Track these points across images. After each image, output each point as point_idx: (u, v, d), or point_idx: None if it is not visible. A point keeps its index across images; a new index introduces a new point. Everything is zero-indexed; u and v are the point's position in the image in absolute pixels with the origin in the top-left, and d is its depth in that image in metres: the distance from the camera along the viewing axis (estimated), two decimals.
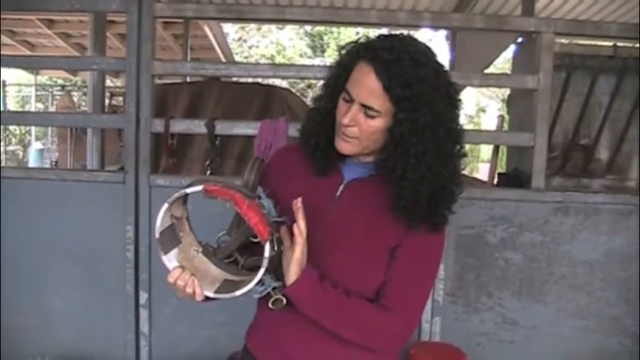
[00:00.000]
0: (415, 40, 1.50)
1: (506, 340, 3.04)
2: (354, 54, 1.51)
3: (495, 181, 4.88)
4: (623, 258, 2.99)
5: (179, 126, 3.12)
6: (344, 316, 1.49)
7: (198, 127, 3.08)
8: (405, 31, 1.55)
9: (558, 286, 3.01)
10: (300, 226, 1.40)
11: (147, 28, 3.00)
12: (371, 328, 1.52)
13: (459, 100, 1.53)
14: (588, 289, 3.01)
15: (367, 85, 1.44)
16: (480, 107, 22.90)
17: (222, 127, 3.07)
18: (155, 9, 3.00)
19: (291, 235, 1.44)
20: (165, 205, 1.40)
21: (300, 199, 1.42)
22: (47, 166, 11.76)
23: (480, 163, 17.15)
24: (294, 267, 1.42)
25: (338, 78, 1.55)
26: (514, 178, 3.90)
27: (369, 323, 1.52)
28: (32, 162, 12.82)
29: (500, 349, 3.04)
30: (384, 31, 1.57)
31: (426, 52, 1.48)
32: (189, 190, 1.38)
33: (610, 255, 3.00)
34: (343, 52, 1.57)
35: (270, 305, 1.46)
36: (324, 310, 1.48)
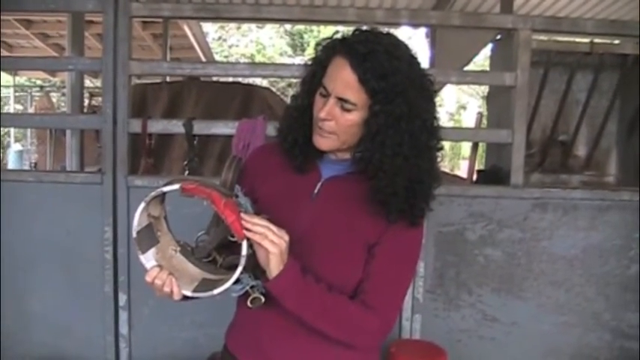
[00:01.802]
0: (389, 33, 1.51)
1: (487, 336, 3.05)
2: (329, 49, 1.51)
3: (475, 177, 4.91)
4: (602, 253, 3.02)
5: (156, 126, 3.11)
6: (325, 310, 1.48)
7: (175, 127, 3.07)
8: (385, 29, 1.55)
9: (538, 282, 3.03)
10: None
11: (123, 28, 2.97)
12: (351, 322, 1.52)
13: (434, 91, 1.54)
14: (567, 285, 3.03)
15: (343, 78, 1.44)
16: (461, 104, 23.02)
17: (200, 127, 3.06)
18: (131, 8, 2.98)
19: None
20: (142, 205, 1.39)
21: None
22: (27, 167, 11.64)
23: (462, 160, 17.23)
24: (274, 261, 1.40)
25: (314, 74, 1.55)
26: (493, 174, 3.92)
27: (350, 318, 1.51)
28: (11, 164, 12.66)
29: (480, 345, 3.05)
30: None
31: (400, 45, 1.49)
32: (165, 189, 1.37)
33: (588, 250, 3.02)
34: (319, 48, 1.57)
35: (248, 304, 1.45)
36: (306, 304, 1.47)
